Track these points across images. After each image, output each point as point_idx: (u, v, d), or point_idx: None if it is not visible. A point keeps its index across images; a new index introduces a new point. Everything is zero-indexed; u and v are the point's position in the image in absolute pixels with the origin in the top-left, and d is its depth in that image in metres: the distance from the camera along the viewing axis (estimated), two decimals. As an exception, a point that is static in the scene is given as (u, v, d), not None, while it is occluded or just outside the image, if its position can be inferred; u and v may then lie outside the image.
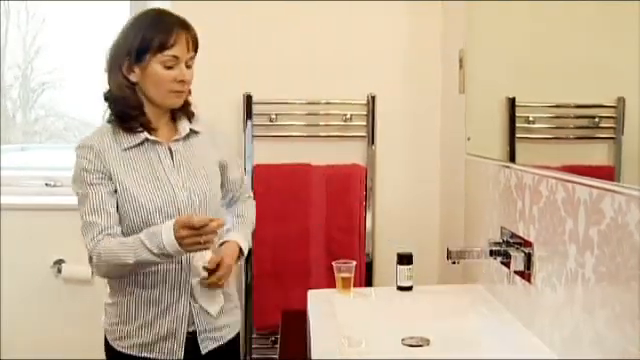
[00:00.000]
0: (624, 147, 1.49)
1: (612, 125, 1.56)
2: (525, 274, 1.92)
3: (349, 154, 3.20)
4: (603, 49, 1.57)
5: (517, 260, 1.93)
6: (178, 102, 2.16)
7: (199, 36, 2.17)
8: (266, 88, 3.14)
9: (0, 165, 3.47)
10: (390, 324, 2.11)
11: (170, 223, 1.98)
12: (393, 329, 2.08)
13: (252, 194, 2.57)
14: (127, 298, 2.15)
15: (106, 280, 2.23)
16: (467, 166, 2.63)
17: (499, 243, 2.08)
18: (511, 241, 2.03)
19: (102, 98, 2.16)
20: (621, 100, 1.48)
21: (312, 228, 3.14)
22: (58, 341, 3.26)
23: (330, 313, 2.15)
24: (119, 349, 2.17)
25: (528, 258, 1.90)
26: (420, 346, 2.03)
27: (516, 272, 1.97)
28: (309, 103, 3.17)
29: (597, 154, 1.65)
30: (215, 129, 2.34)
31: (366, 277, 3.17)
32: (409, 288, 2.34)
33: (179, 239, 1.95)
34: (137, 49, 2.05)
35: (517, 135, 2.13)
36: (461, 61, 2.75)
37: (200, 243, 1.97)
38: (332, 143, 3.20)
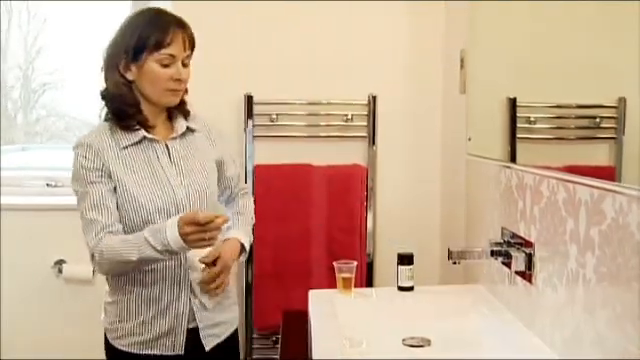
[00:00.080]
0: (625, 147, 1.49)
1: (613, 125, 1.56)
2: (526, 274, 1.92)
3: (350, 154, 3.20)
4: (604, 49, 1.57)
5: (518, 260, 1.93)
6: (174, 100, 2.16)
7: (200, 36, 2.18)
8: (267, 88, 3.14)
9: (1, 165, 3.47)
10: (391, 324, 2.11)
11: (174, 220, 1.99)
12: (394, 329, 2.08)
13: (248, 189, 2.57)
14: (127, 296, 2.16)
15: (105, 279, 2.23)
16: (468, 166, 2.63)
17: (500, 243, 2.08)
18: (512, 241, 2.03)
19: (99, 96, 2.16)
20: (622, 100, 1.48)
21: (313, 228, 3.14)
22: (59, 341, 3.27)
23: (331, 313, 2.15)
24: (120, 347, 2.17)
25: (529, 258, 1.90)
26: (421, 346, 2.03)
27: (517, 272, 1.98)
28: (310, 103, 3.17)
29: (598, 154, 1.65)
30: (211, 127, 2.34)
31: (367, 277, 3.17)
32: (410, 288, 2.34)
33: (184, 235, 1.95)
34: (134, 47, 2.06)
35: (518, 135, 2.13)
36: (462, 61, 2.75)
37: (205, 239, 1.97)
38: (333, 143, 3.20)
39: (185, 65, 2.13)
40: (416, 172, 3.24)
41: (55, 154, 3.96)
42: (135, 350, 2.16)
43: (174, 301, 2.15)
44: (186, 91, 2.21)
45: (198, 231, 1.95)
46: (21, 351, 3.30)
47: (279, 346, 2.85)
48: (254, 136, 3.14)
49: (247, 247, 2.32)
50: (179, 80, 2.11)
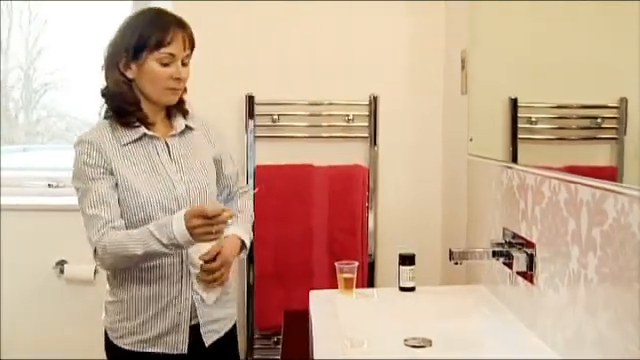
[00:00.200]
0: (626, 147, 1.49)
1: (614, 126, 1.55)
2: (527, 275, 1.92)
3: (351, 155, 3.20)
4: (606, 50, 1.57)
5: (519, 261, 1.93)
6: (173, 99, 2.18)
7: (201, 37, 2.20)
8: (268, 89, 3.14)
9: (1, 165, 3.47)
10: (392, 325, 2.11)
11: (180, 213, 2.00)
12: (395, 330, 2.08)
13: (248, 187, 2.58)
14: (129, 295, 2.17)
15: (106, 278, 2.25)
16: (469, 167, 2.63)
17: (501, 244, 2.08)
18: (513, 242, 2.03)
19: (99, 94, 2.18)
20: (623, 101, 1.48)
21: (314, 229, 3.14)
22: (60, 341, 3.27)
23: (332, 314, 2.15)
24: (123, 346, 2.18)
25: (530, 259, 1.90)
26: (422, 347, 2.03)
27: (518, 273, 1.97)
28: (311, 104, 3.17)
29: (599, 155, 1.65)
30: (209, 125, 2.36)
31: (368, 278, 3.17)
32: (411, 289, 2.34)
33: (190, 229, 1.97)
34: (134, 46, 2.08)
35: (519, 136, 2.13)
36: (463, 61, 2.75)
37: (211, 233, 1.99)
38: (334, 144, 3.20)
39: (185, 64, 2.15)
40: (417, 172, 3.24)
41: (56, 154, 3.96)
42: (138, 349, 2.17)
43: (176, 297, 2.17)
44: (185, 90, 2.23)
45: (205, 224, 1.97)
46: (22, 351, 3.30)
47: (280, 346, 2.85)
48: (255, 136, 3.14)
49: (247, 244, 2.34)
50: (178, 79, 2.13)
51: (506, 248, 2.04)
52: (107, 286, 2.24)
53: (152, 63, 2.09)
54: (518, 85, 2.15)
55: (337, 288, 2.34)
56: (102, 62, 2.17)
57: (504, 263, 2.06)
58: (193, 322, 2.20)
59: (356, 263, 2.33)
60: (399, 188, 3.25)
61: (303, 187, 3.13)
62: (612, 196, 1.43)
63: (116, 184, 2.11)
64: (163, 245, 2.00)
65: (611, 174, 1.52)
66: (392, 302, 2.31)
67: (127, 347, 2.17)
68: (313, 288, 2.45)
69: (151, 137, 2.17)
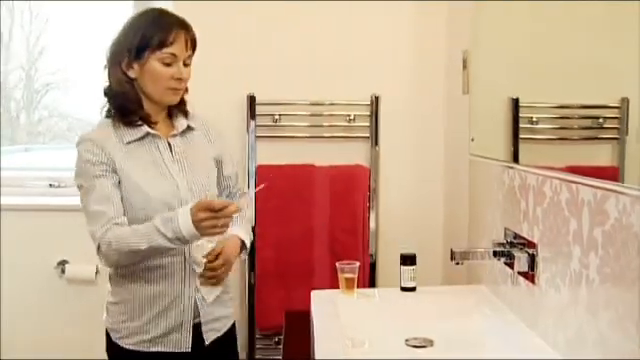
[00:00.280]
0: (628, 148, 1.49)
1: (616, 126, 1.55)
2: (529, 275, 1.92)
3: (353, 155, 3.20)
4: (607, 50, 1.57)
5: (521, 261, 1.93)
6: (175, 99, 2.20)
7: (202, 37, 2.21)
8: (269, 89, 3.14)
9: (4, 165, 3.48)
10: (394, 325, 2.11)
11: (186, 207, 2.02)
12: (397, 330, 2.09)
13: (248, 190, 2.59)
14: (132, 295, 2.18)
15: (108, 278, 2.25)
16: (471, 167, 2.63)
17: (503, 244, 2.08)
18: (515, 242, 2.03)
19: (102, 93, 2.20)
20: (625, 101, 1.47)
21: (315, 229, 3.14)
22: (62, 341, 3.27)
23: (334, 314, 2.15)
24: (126, 347, 2.19)
25: (532, 259, 1.90)
26: (424, 347, 2.04)
27: (520, 273, 1.97)
28: (313, 104, 3.17)
29: (601, 155, 1.65)
30: (209, 125, 2.37)
31: (370, 278, 3.17)
32: (413, 289, 2.34)
33: (197, 222, 1.98)
34: (137, 46, 2.10)
35: (521, 136, 2.12)
36: (465, 61, 2.75)
37: (217, 226, 2.00)
38: (336, 144, 3.20)
39: (186, 65, 2.17)
40: (419, 172, 3.24)
41: (58, 154, 3.97)
42: (142, 348, 2.18)
43: (179, 297, 2.18)
44: (186, 90, 2.24)
45: (212, 217, 1.98)
46: (23, 351, 3.30)
47: (281, 346, 2.85)
48: (257, 136, 3.14)
49: (247, 244, 2.36)
50: (180, 79, 2.15)
51: (507, 248, 2.04)
52: (109, 287, 2.25)
53: (154, 63, 2.11)
54: (519, 85, 2.15)
55: (338, 288, 2.34)
56: (105, 62, 2.18)
57: (505, 263, 2.06)
58: (195, 321, 2.21)
59: (357, 263, 2.33)
60: (400, 188, 3.25)
61: (304, 187, 3.13)
62: (614, 196, 1.43)
63: (119, 182, 2.11)
64: (168, 239, 2.00)
65: (612, 174, 1.51)
66: (393, 302, 2.31)
67: (130, 347, 2.18)
68: (314, 288, 2.45)
69: (154, 136, 2.18)
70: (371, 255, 3.19)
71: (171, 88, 2.15)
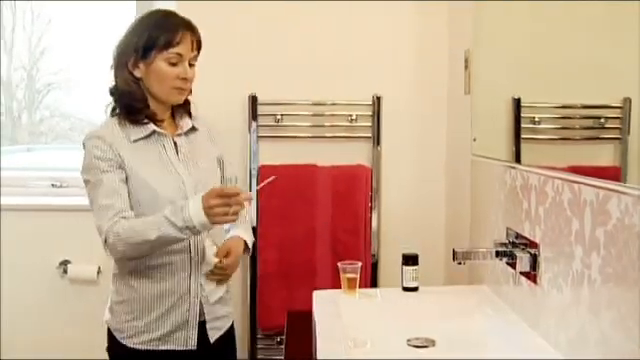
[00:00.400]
0: (630, 147, 1.49)
1: (618, 126, 1.55)
2: (531, 275, 1.92)
3: (354, 155, 3.20)
4: (609, 50, 1.57)
5: (523, 261, 1.93)
6: (180, 99, 2.23)
7: (204, 37, 2.23)
8: (271, 89, 3.14)
9: (6, 165, 3.48)
10: (395, 325, 2.11)
11: (197, 196, 2.03)
12: (398, 330, 2.08)
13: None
14: (138, 294, 2.19)
15: (112, 278, 2.27)
16: (473, 167, 2.63)
17: (505, 244, 2.08)
18: (517, 242, 2.03)
19: (108, 93, 2.23)
20: (627, 101, 1.47)
21: (317, 228, 3.14)
22: (64, 341, 3.27)
23: (335, 314, 2.15)
24: (132, 346, 2.20)
25: (534, 259, 1.90)
26: (425, 347, 2.03)
27: (522, 273, 1.97)
28: (314, 104, 3.17)
29: (603, 155, 1.65)
30: (210, 126, 2.40)
31: (371, 278, 3.17)
32: (414, 289, 2.34)
33: (208, 209, 1.99)
34: (143, 46, 2.13)
35: (523, 136, 2.12)
36: (466, 61, 2.75)
37: (228, 214, 2.01)
38: (337, 144, 3.20)
39: (191, 65, 2.20)
40: (421, 172, 3.24)
41: (60, 154, 3.97)
42: (148, 347, 2.20)
43: (185, 295, 2.20)
44: (190, 91, 2.26)
45: (223, 204, 1.99)
46: (25, 351, 3.30)
47: (283, 346, 2.85)
48: (258, 136, 3.15)
49: (250, 246, 2.38)
50: (185, 79, 2.18)
51: (509, 248, 2.04)
52: (112, 286, 2.26)
53: (160, 63, 2.14)
54: (521, 85, 2.15)
55: (340, 288, 2.34)
56: (111, 61, 2.21)
57: (507, 263, 2.06)
58: (200, 319, 2.24)
59: (359, 263, 2.33)
60: (402, 188, 3.25)
61: (306, 187, 3.13)
62: (616, 196, 1.43)
63: (126, 178, 2.14)
64: (178, 229, 2.01)
65: (614, 174, 1.51)
66: (395, 302, 2.31)
67: (136, 346, 2.20)
68: (316, 288, 2.45)
69: (160, 134, 2.21)
70: (373, 255, 3.19)
71: (177, 88, 2.18)
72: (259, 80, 3.16)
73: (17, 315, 3.31)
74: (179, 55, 2.14)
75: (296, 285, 3.10)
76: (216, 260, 2.20)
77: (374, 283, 3.18)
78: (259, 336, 3.22)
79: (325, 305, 2.24)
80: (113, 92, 2.21)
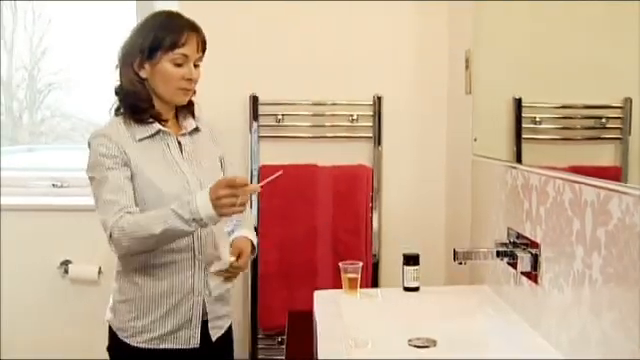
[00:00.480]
0: (631, 148, 1.49)
1: (619, 126, 1.55)
2: (532, 275, 1.92)
3: (355, 155, 3.20)
4: (610, 50, 1.57)
5: (524, 261, 1.93)
6: (185, 99, 2.24)
7: (206, 37, 2.23)
8: (272, 89, 3.14)
9: (7, 166, 3.48)
10: (396, 325, 2.11)
11: (205, 189, 2.04)
12: (399, 330, 2.08)
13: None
14: (142, 293, 2.20)
15: (115, 277, 2.27)
16: (474, 167, 2.63)
17: (506, 244, 2.08)
18: (518, 242, 2.03)
19: (113, 93, 2.24)
20: (628, 101, 1.47)
21: (318, 228, 3.14)
22: (65, 341, 3.27)
23: (336, 314, 2.15)
24: (135, 345, 2.21)
25: (535, 259, 1.90)
26: (426, 347, 2.03)
27: (523, 273, 1.97)
28: (315, 104, 3.17)
29: (604, 155, 1.65)
30: (214, 127, 2.42)
31: (372, 278, 3.17)
32: (415, 289, 2.34)
33: (216, 200, 1.99)
34: (149, 47, 2.15)
35: (523, 136, 2.13)
36: (467, 61, 2.75)
37: (235, 205, 2.01)
38: (338, 144, 3.20)
39: (196, 66, 2.21)
40: (421, 172, 3.24)
41: (61, 154, 3.97)
42: (151, 346, 2.20)
43: (189, 294, 2.22)
44: (194, 92, 2.27)
45: (231, 195, 1.99)
46: (26, 352, 3.30)
47: (284, 346, 2.85)
48: (259, 136, 3.15)
49: (255, 245, 2.38)
50: (190, 80, 2.19)
51: (510, 248, 2.04)
52: (115, 285, 2.26)
53: (166, 63, 2.15)
54: (522, 85, 2.15)
55: (341, 288, 2.34)
56: (116, 61, 2.23)
57: (508, 263, 2.06)
58: (202, 318, 2.25)
59: (360, 263, 2.33)
60: (403, 188, 3.25)
61: (307, 187, 3.13)
62: (617, 196, 1.43)
63: (131, 177, 2.14)
64: (184, 221, 2.01)
65: (615, 174, 1.51)
66: (396, 302, 2.31)
67: (140, 345, 2.20)
68: (317, 288, 2.45)
69: (165, 133, 2.22)
70: (374, 255, 3.19)
71: (181, 88, 2.19)
72: (260, 80, 3.16)
73: (18, 315, 3.31)
74: (184, 56, 2.15)
75: (297, 285, 3.10)
76: (232, 259, 2.20)
77: (375, 283, 3.18)
78: (260, 336, 3.23)
79: (326, 305, 2.24)
80: (118, 92, 2.23)
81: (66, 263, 3.31)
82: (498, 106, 2.30)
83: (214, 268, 2.19)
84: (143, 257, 2.17)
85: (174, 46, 2.14)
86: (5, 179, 3.41)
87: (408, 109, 3.21)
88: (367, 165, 3.19)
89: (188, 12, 2.26)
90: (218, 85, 3.05)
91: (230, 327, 2.41)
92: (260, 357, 3.23)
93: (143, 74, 2.18)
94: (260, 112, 3.14)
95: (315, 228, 3.14)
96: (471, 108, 2.62)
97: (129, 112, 2.20)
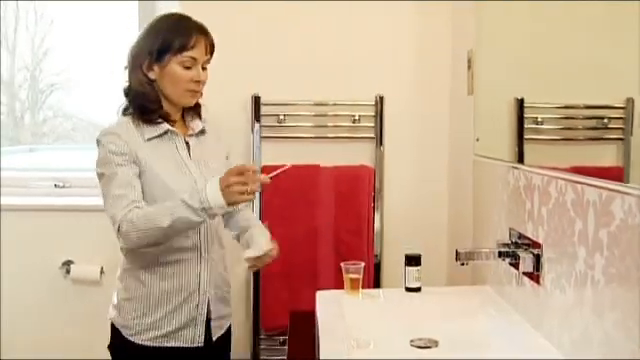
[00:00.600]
0: (633, 148, 1.48)
1: (621, 126, 1.55)
2: (534, 275, 1.92)
3: (357, 155, 3.20)
4: (612, 50, 1.57)
5: (526, 261, 1.93)
6: (192, 101, 2.27)
7: (214, 39, 2.26)
8: (274, 89, 3.14)
9: (9, 166, 3.48)
10: (398, 325, 2.11)
11: (214, 179, 2.05)
12: (401, 330, 2.08)
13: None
14: (148, 291, 2.22)
15: (121, 274, 2.28)
16: (475, 167, 2.62)
17: (508, 244, 2.08)
18: (520, 242, 2.02)
19: (122, 93, 2.27)
20: (630, 101, 1.47)
21: (320, 229, 3.14)
22: (67, 342, 3.27)
23: (338, 314, 2.15)
24: (139, 342, 2.22)
25: (537, 259, 1.90)
26: (428, 347, 2.03)
27: (525, 273, 1.97)
28: (317, 104, 3.17)
29: (606, 155, 1.65)
30: (219, 129, 2.44)
31: (374, 278, 3.17)
32: (417, 289, 2.34)
33: (226, 187, 2.01)
34: (158, 49, 2.17)
35: (525, 136, 2.12)
36: (469, 62, 2.75)
37: (245, 192, 2.03)
38: (340, 144, 3.20)
39: (204, 68, 2.24)
40: (423, 173, 3.24)
41: (63, 155, 3.97)
42: (156, 344, 2.22)
43: (195, 292, 2.24)
44: (201, 94, 2.29)
45: (241, 182, 2.01)
46: (27, 352, 3.30)
47: (286, 347, 2.85)
48: (261, 137, 3.15)
49: None
50: (198, 82, 2.22)
51: (512, 249, 2.03)
52: (120, 283, 2.28)
53: (174, 66, 2.18)
54: (524, 85, 2.15)
55: (343, 289, 2.34)
56: (125, 63, 2.25)
57: (510, 264, 2.06)
58: (206, 317, 2.28)
59: (362, 264, 2.33)
60: (405, 188, 3.25)
61: (309, 187, 3.13)
62: (619, 197, 1.42)
63: (139, 174, 2.16)
64: (193, 210, 2.03)
65: (617, 174, 1.51)
66: (398, 303, 2.31)
67: (144, 343, 2.22)
68: (319, 288, 2.45)
69: (173, 133, 2.25)
70: (376, 255, 3.19)
71: (190, 90, 2.22)
72: (262, 81, 3.16)
73: (20, 315, 3.32)
74: (193, 59, 2.18)
75: (299, 285, 3.10)
76: (269, 248, 2.22)
77: (377, 283, 3.17)
78: (262, 336, 3.23)
79: (328, 305, 2.24)
80: (127, 93, 2.25)
81: (68, 263, 3.31)
82: (500, 106, 2.30)
83: (249, 254, 2.20)
84: (150, 256, 2.19)
85: (183, 49, 2.16)
86: (7, 179, 3.42)
87: (410, 109, 3.21)
88: (369, 165, 3.19)
89: (190, 13, 2.28)
90: (220, 85, 3.02)
91: (229, 327, 2.43)
92: (262, 357, 3.23)
93: (152, 76, 2.20)
94: (262, 112, 3.14)
95: (317, 228, 3.14)
96: (473, 108, 2.62)
97: (138, 113, 2.22)
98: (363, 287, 2.34)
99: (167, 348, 2.23)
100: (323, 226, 3.14)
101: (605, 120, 1.66)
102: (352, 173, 3.17)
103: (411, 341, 2.05)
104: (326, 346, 1.88)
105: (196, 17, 2.25)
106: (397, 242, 3.13)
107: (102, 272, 3.27)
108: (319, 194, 3.14)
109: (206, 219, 2.09)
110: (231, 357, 2.49)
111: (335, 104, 3.17)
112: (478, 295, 2.33)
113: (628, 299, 1.39)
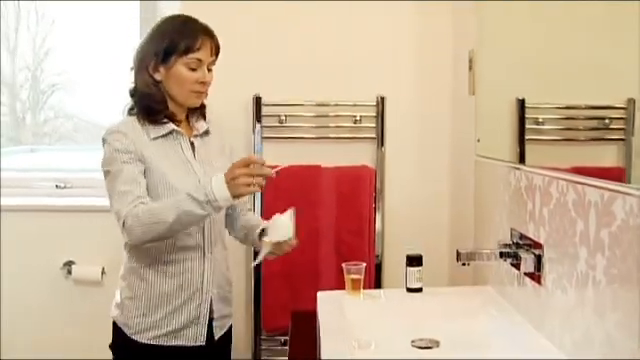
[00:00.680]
0: (634, 148, 1.48)
1: (622, 126, 1.55)
2: (535, 276, 1.92)
3: (359, 156, 3.20)
4: (613, 50, 1.57)
5: (527, 262, 1.93)
6: (198, 102, 2.29)
7: (219, 41, 2.27)
8: (276, 90, 3.14)
9: (10, 166, 3.49)
10: (400, 326, 2.11)
11: (220, 173, 2.06)
12: (403, 331, 2.08)
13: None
14: (151, 290, 2.23)
15: (124, 273, 2.28)
16: (477, 167, 2.62)
17: (509, 245, 2.08)
18: (521, 243, 2.03)
19: (128, 94, 2.29)
20: (631, 101, 1.47)
21: (322, 229, 3.13)
22: (68, 342, 3.27)
23: (340, 314, 2.15)
24: (142, 341, 2.23)
25: (538, 260, 1.90)
26: (430, 348, 2.03)
27: (526, 274, 1.97)
28: (319, 105, 3.17)
29: (607, 155, 1.65)
30: (222, 130, 2.46)
31: (375, 279, 3.17)
32: (419, 290, 2.34)
33: (232, 179, 2.02)
34: (164, 50, 2.19)
35: (527, 136, 2.12)
36: (471, 62, 2.75)
37: (250, 184, 2.04)
38: (342, 145, 3.20)
39: (209, 70, 2.26)
40: (425, 173, 3.24)
41: (64, 155, 3.97)
42: (158, 342, 2.23)
43: (198, 291, 2.25)
44: (206, 95, 2.31)
45: (247, 174, 2.03)
46: (29, 353, 3.31)
47: (287, 347, 2.85)
48: (263, 137, 3.15)
49: None
50: (203, 83, 2.24)
51: (514, 249, 2.04)
52: (123, 282, 2.28)
53: (180, 67, 2.20)
54: (526, 86, 2.15)
55: (344, 289, 2.34)
56: (131, 64, 2.27)
57: (512, 264, 2.06)
58: (209, 316, 2.29)
59: (363, 264, 2.33)
60: (406, 189, 3.24)
61: (310, 188, 3.13)
62: (620, 197, 1.42)
63: (145, 172, 2.18)
64: (198, 203, 2.03)
65: (618, 175, 1.51)
66: (399, 303, 2.31)
67: (147, 342, 2.23)
68: (320, 289, 2.45)
69: (178, 133, 2.26)
70: (377, 256, 3.18)
71: (195, 91, 2.24)
72: (263, 81, 3.16)
73: (21, 316, 3.32)
74: (199, 60, 2.20)
75: (300, 286, 3.09)
76: (292, 237, 2.24)
77: (378, 284, 3.17)
78: (263, 337, 3.22)
79: (329, 306, 2.24)
80: (133, 94, 2.27)
81: (69, 264, 3.32)
82: (501, 107, 2.30)
83: (274, 238, 2.21)
84: (153, 254, 2.20)
85: (189, 50, 2.18)
86: (8, 180, 3.42)
87: (411, 110, 3.21)
88: (370, 166, 3.19)
89: (191, 13, 2.29)
90: (221, 86, 3.02)
91: (230, 327, 2.43)
92: (263, 358, 3.22)
93: (158, 77, 2.22)
94: (263, 113, 3.14)
95: (318, 229, 3.13)
96: (474, 109, 2.62)
97: (144, 113, 2.24)
98: (364, 287, 2.34)
99: (169, 347, 2.23)
100: (324, 226, 3.13)
101: (606, 120, 1.66)
102: (353, 173, 3.16)
103: (412, 341, 2.06)
104: (327, 346, 1.88)
105: (197, 17, 2.25)
106: (398, 242, 3.13)
107: (103, 272, 3.27)
108: (320, 195, 3.13)
109: (211, 213, 2.08)
110: (232, 358, 2.49)
111: (336, 104, 3.17)
112: (479, 295, 2.33)
113: (629, 299, 1.39)
